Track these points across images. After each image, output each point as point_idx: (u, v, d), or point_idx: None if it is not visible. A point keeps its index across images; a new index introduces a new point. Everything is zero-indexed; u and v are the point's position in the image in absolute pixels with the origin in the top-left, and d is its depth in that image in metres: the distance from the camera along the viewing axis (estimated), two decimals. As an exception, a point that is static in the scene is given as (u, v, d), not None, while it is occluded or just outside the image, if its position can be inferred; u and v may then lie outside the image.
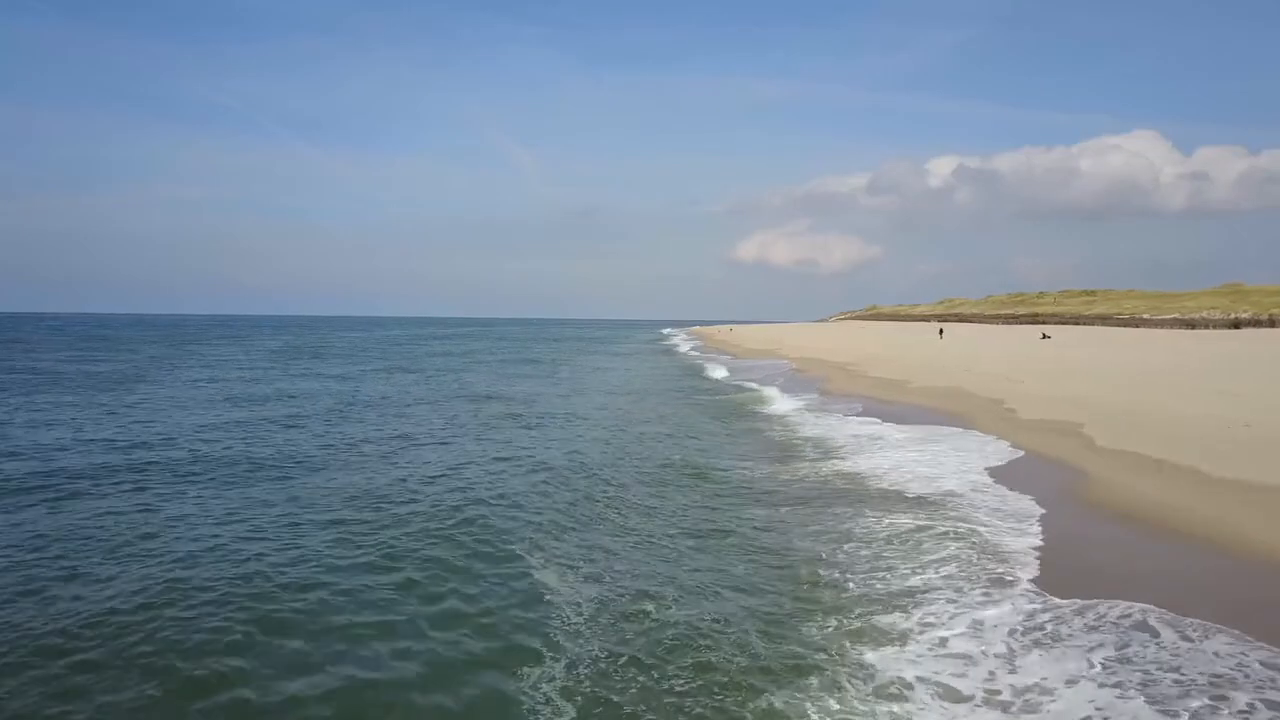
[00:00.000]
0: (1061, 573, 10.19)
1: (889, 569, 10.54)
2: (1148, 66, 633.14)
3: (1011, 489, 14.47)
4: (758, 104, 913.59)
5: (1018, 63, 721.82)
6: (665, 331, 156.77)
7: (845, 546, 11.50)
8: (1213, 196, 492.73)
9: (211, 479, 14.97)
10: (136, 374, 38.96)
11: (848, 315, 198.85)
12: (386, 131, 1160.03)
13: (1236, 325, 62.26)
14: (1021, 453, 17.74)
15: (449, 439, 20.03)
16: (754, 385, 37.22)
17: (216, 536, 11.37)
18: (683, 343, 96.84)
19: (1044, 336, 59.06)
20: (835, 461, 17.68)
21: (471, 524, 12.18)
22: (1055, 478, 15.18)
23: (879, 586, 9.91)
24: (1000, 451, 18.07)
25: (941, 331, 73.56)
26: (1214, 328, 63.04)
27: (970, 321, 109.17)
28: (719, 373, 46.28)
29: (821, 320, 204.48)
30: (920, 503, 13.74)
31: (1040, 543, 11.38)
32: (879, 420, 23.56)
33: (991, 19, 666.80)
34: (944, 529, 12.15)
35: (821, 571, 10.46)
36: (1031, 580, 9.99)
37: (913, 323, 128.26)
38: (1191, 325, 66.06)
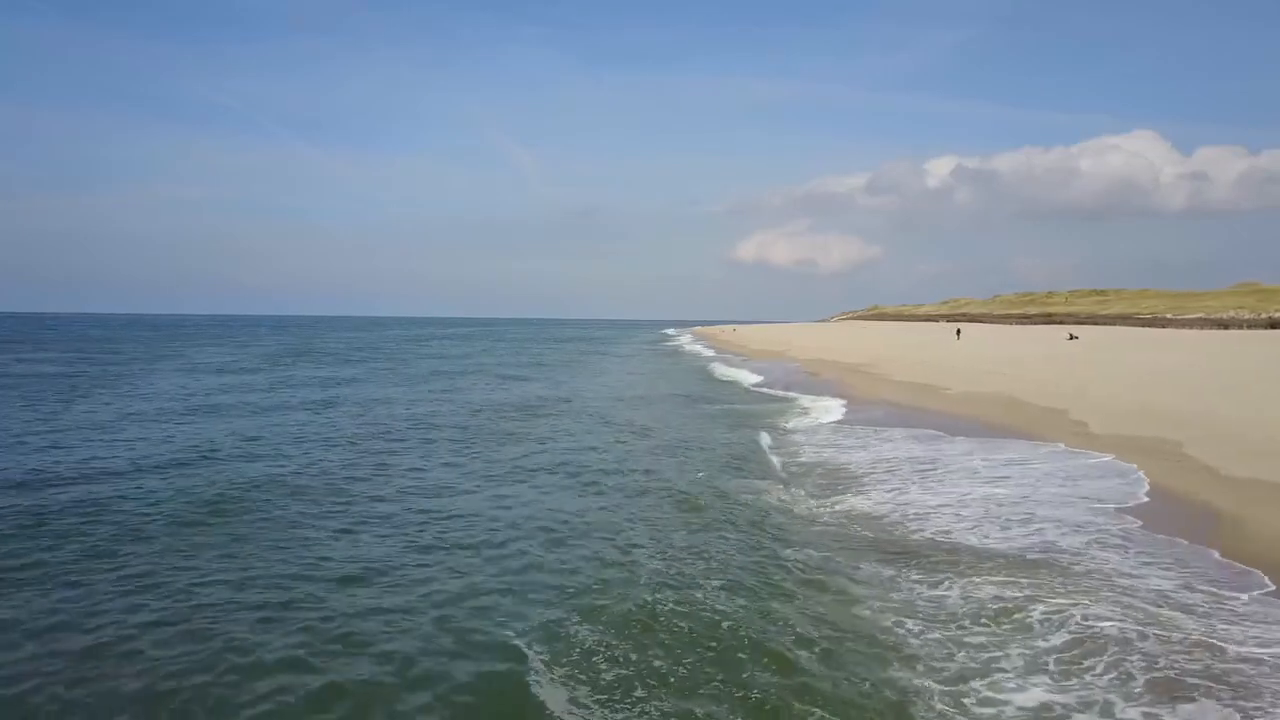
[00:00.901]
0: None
1: (987, 676, 7.28)
2: (1147, 66, 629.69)
3: (1129, 539, 11.13)
4: (758, 104, 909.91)
5: (1018, 63, 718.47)
6: (667, 332, 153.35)
7: (932, 634, 8.18)
8: (1213, 196, 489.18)
9: (115, 530, 11.59)
10: (102, 379, 35.61)
11: (849, 315, 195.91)
12: (386, 131, 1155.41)
13: (1273, 325, 58.93)
14: (1135, 482, 14.33)
15: (429, 472, 16.41)
16: (771, 391, 33.93)
17: (95, 629, 8.08)
18: (687, 344, 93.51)
19: (1071, 337, 55.70)
20: (889, 493, 14.33)
21: (449, 607, 8.90)
22: (1188, 521, 11.82)
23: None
24: (1099, 478, 14.71)
25: (959, 332, 70.20)
26: (1248, 328, 59.72)
27: (980, 322, 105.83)
28: (730, 377, 42.97)
29: (823, 320, 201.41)
30: (1021, 562, 10.37)
31: (1219, 635, 8.05)
32: (935, 435, 20.19)
33: (991, 19, 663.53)
34: (1058, 602, 8.84)
35: (897, 675, 7.20)
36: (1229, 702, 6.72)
37: (918, 323, 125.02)
38: (1224, 325, 62.70)
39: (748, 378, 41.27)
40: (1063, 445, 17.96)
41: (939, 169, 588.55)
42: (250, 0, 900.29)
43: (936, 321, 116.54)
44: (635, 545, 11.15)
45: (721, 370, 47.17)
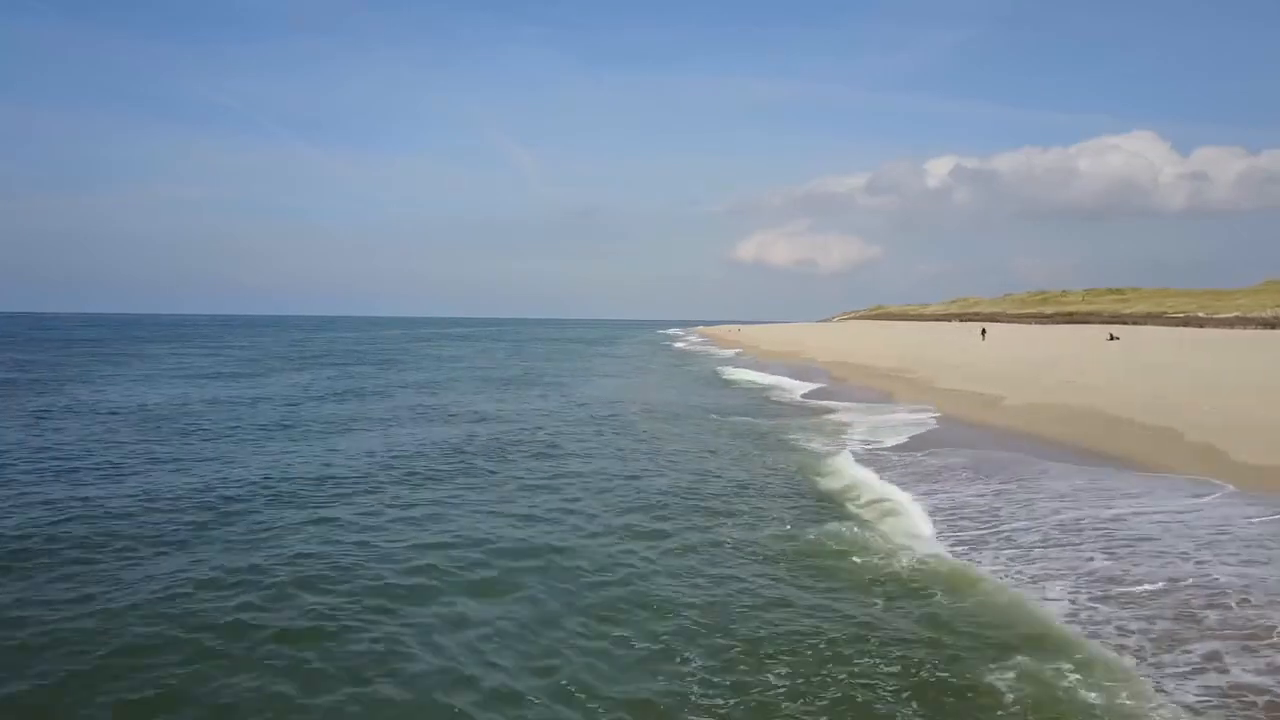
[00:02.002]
0: None
1: None
2: (1146, 67, 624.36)
3: None
4: (757, 104, 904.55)
5: (1017, 63, 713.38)
6: (669, 332, 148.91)
7: None
8: (1212, 197, 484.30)
9: None
10: (44, 388, 31.18)
11: (852, 315, 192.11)
12: (386, 131, 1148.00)
13: (1325, 324, 54.69)
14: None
15: (372, 548, 11.41)
16: (810, 402, 29.58)
17: None
18: (694, 345, 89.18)
19: (1111, 338, 51.35)
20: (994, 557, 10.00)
21: None
22: None
23: None
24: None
25: (984, 332, 65.73)
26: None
27: (996, 321, 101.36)
28: (754, 382, 38.64)
29: (825, 320, 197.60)
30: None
31: None
32: (1023, 460, 15.75)
33: (991, 19, 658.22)
34: None
35: None
36: None
37: (927, 323, 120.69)
38: (1270, 325, 58.27)
39: (775, 385, 36.89)
40: (1228, 486, 13.54)
41: (938, 169, 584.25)
42: (250, 0, 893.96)
43: (949, 321, 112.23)
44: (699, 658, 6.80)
45: (743, 376, 42.65)
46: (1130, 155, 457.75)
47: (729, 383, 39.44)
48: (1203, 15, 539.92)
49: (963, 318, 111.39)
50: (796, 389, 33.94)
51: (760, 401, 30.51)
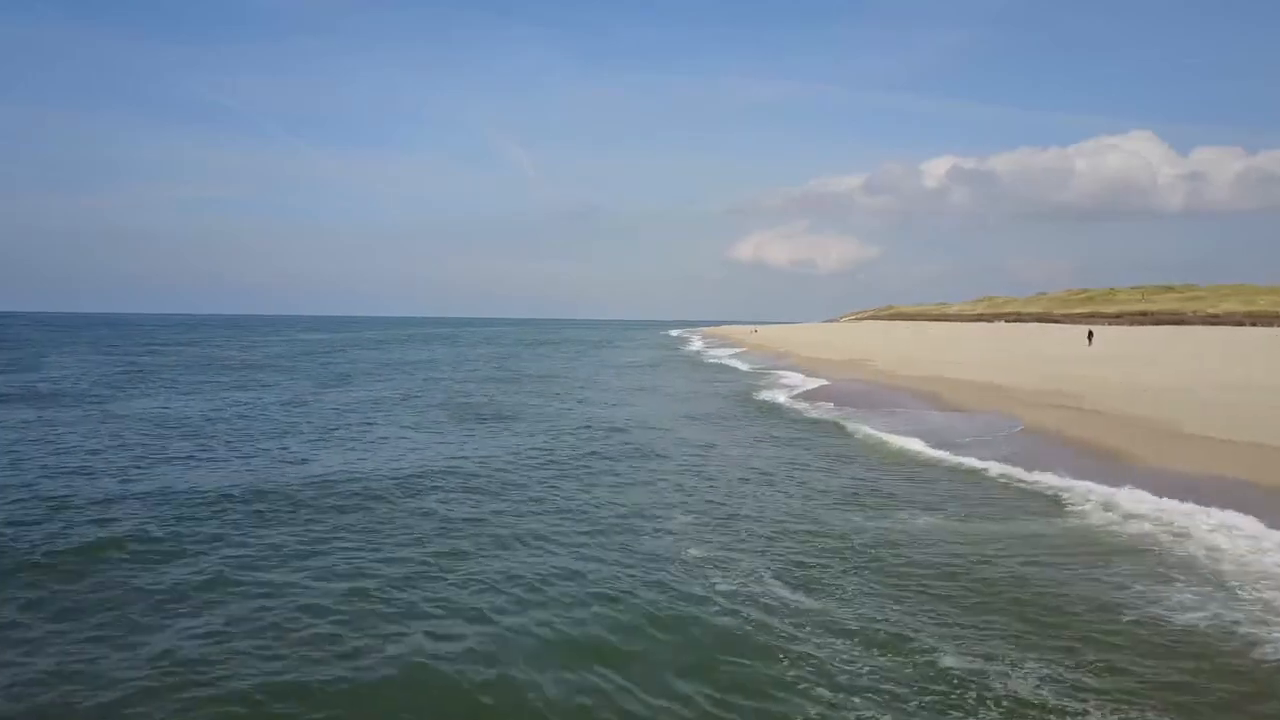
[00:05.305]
0: None
1: None
2: (1144, 67, 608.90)
3: None
4: (755, 104, 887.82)
5: (1015, 63, 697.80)
6: (677, 334, 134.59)
7: None
8: (1211, 197, 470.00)
9: None
10: None
11: (863, 315, 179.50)
12: (386, 131, 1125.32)
13: None
14: None
15: None
16: (1035, 484, 15.76)
17: None
18: (710, 349, 75.41)
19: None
20: None
21: None
22: None
23: None
24: None
25: (1091, 336, 51.96)
26: None
27: (1047, 322, 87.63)
28: (873, 437, 24.83)
29: (831, 320, 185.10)
30: None
31: None
32: None
33: (989, 19, 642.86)
34: None
35: None
36: None
37: (956, 324, 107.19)
38: None
39: (877, 434, 22.88)
40: None
41: (936, 169, 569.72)
42: (250, 0, 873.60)
43: (990, 322, 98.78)
44: None
45: (797, 405, 28.34)
46: (1128, 155, 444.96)
47: (821, 427, 25.51)
48: (1201, 16, 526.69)
49: (1007, 318, 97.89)
50: (979, 440, 20.00)
51: (896, 466, 16.61)
